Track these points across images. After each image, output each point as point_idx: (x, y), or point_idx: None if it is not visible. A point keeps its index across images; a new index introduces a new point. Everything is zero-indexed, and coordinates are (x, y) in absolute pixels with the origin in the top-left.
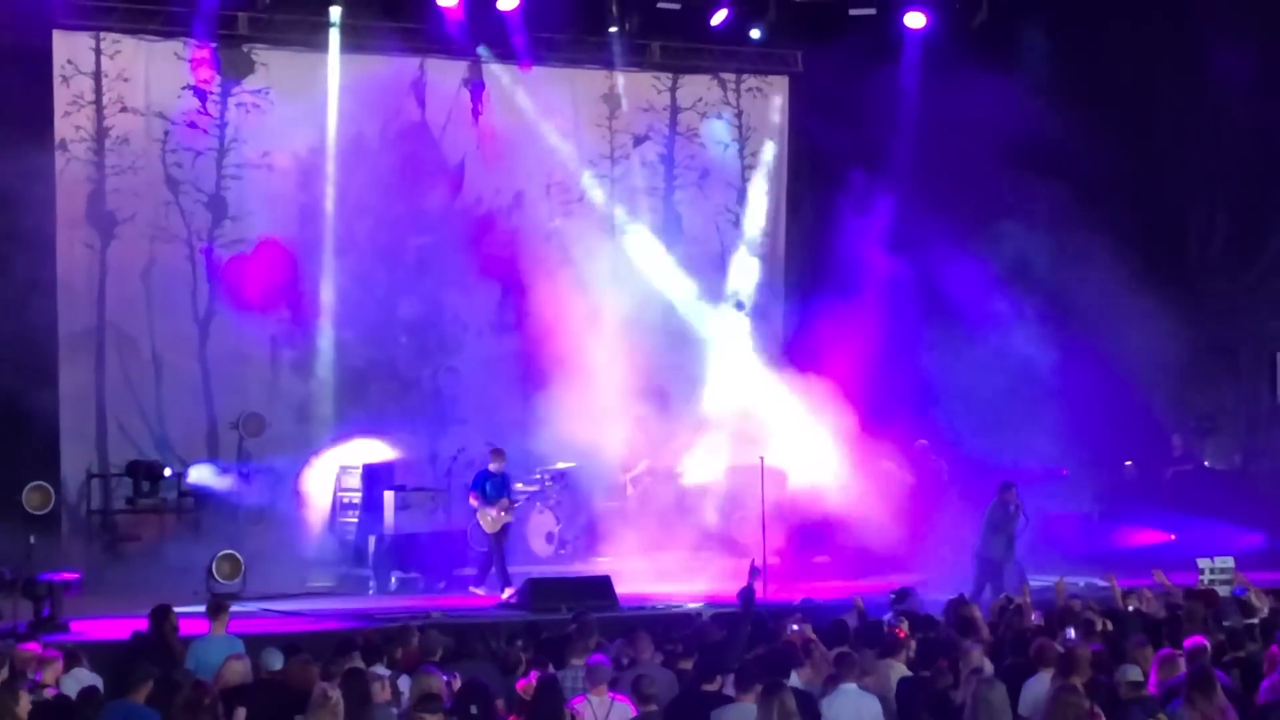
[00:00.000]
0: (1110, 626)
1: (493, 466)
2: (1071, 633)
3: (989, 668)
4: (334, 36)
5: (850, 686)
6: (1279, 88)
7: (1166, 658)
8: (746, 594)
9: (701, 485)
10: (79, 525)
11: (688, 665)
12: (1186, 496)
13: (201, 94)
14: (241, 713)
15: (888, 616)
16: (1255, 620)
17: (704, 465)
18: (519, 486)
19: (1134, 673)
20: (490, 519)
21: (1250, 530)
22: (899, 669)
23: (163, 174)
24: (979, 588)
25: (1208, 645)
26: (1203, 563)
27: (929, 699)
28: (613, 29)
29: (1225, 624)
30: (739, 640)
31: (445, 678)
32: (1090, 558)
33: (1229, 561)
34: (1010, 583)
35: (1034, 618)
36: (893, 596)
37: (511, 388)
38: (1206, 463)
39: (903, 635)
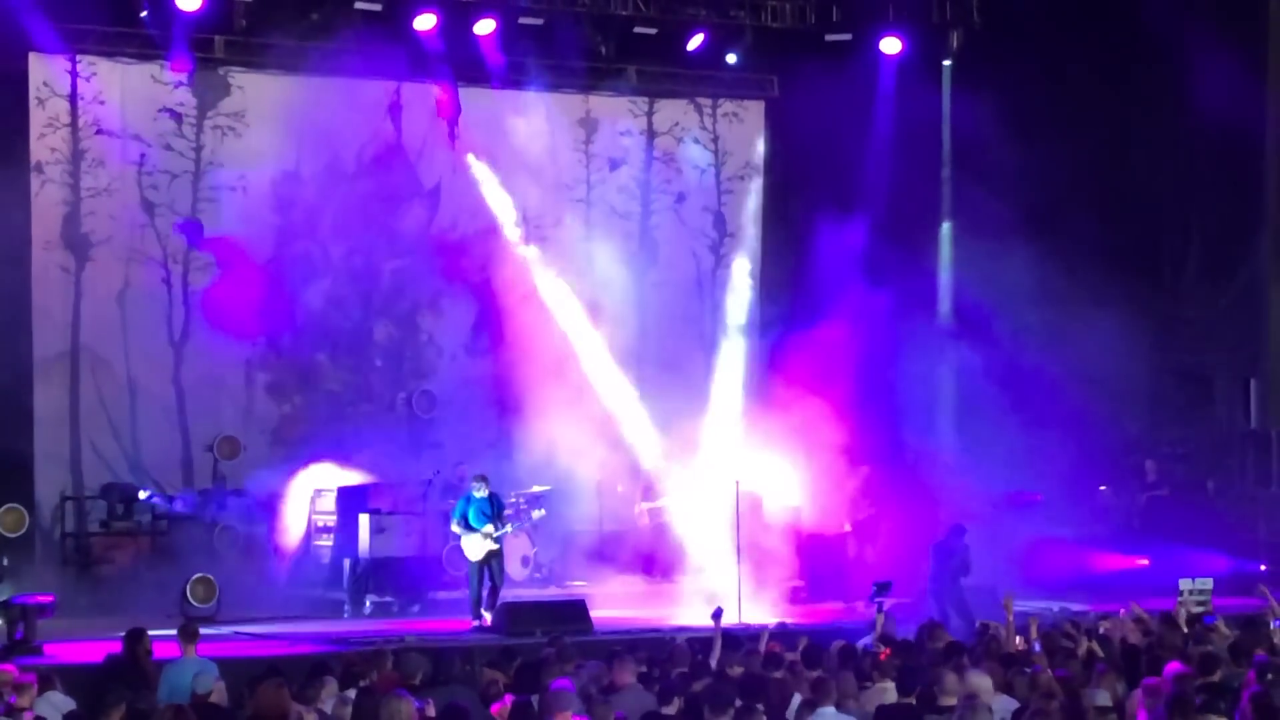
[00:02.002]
0: (1099, 651)
1: (476, 492)
2: (1038, 647)
3: (963, 691)
4: (310, 60)
5: (829, 710)
6: (1253, 113)
7: (1151, 687)
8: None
9: (679, 510)
10: (53, 548)
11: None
12: (1160, 522)
13: (177, 117)
14: None
15: (864, 641)
16: (1224, 646)
17: (680, 489)
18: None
19: (1102, 697)
20: (471, 547)
21: (1223, 556)
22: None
23: (138, 196)
24: (944, 618)
25: (1190, 671)
26: (1184, 583)
27: None
28: (590, 53)
29: (1206, 649)
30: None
31: (419, 704)
32: (1064, 583)
33: (1208, 583)
34: (979, 607)
35: (1019, 643)
36: (874, 588)
37: (486, 411)
38: (1180, 488)
39: (884, 657)
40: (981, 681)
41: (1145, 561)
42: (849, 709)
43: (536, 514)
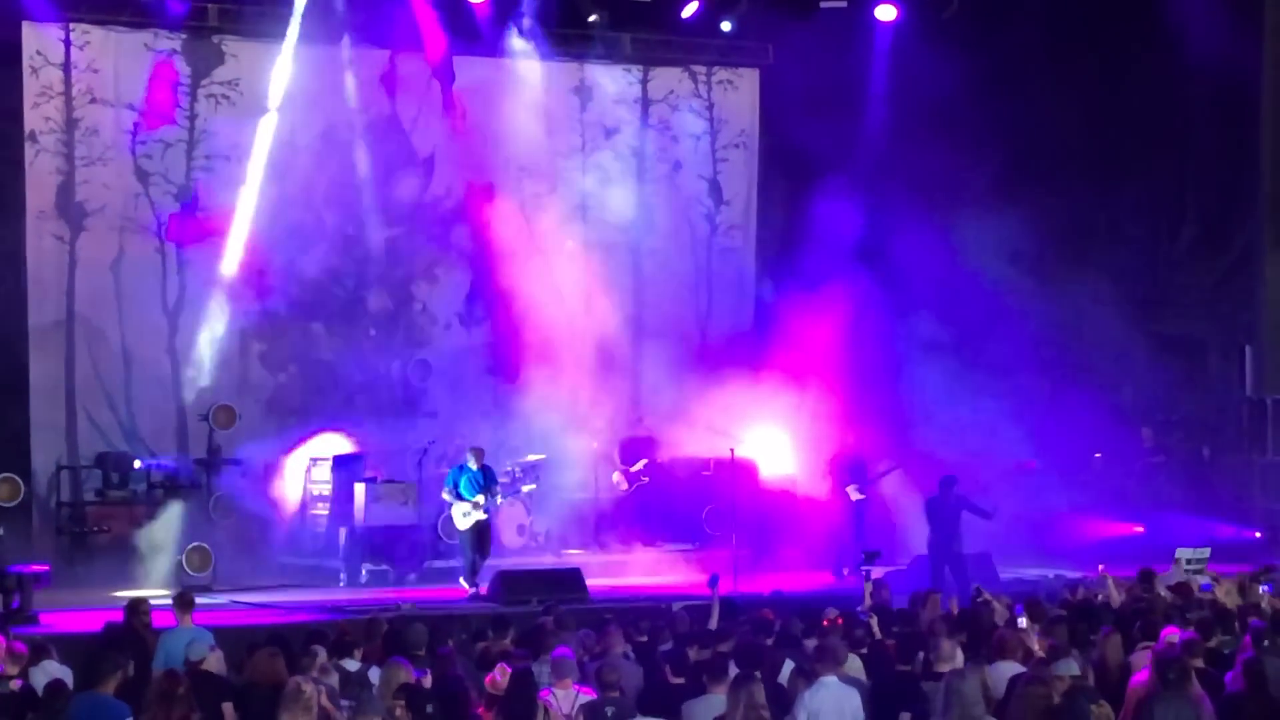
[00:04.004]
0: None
1: (470, 464)
2: (1023, 622)
3: (960, 658)
4: (305, 28)
5: (831, 679)
6: (1249, 81)
7: (1156, 652)
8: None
9: (674, 478)
10: (49, 517)
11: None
12: (1156, 489)
13: (171, 85)
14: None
15: (861, 609)
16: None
17: (676, 457)
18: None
19: (1070, 666)
20: (461, 515)
21: (1219, 522)
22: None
23: (132, 165)
24: (938, 579)
25: (1189, 638)
26: (1180, 552)
27: (903, 691)
28: (588, 20)
29: (1190, 615)
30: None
31: (417, 674)
32: (1059, 550)
33: (1205, 552)
34: (976, 573)
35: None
36: (862, 556)
37: (481, 380)
38: (1176, 455)
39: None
40: (945, 646)
41: (1141, 528)
42: (847, 678)
43: (527, 488)
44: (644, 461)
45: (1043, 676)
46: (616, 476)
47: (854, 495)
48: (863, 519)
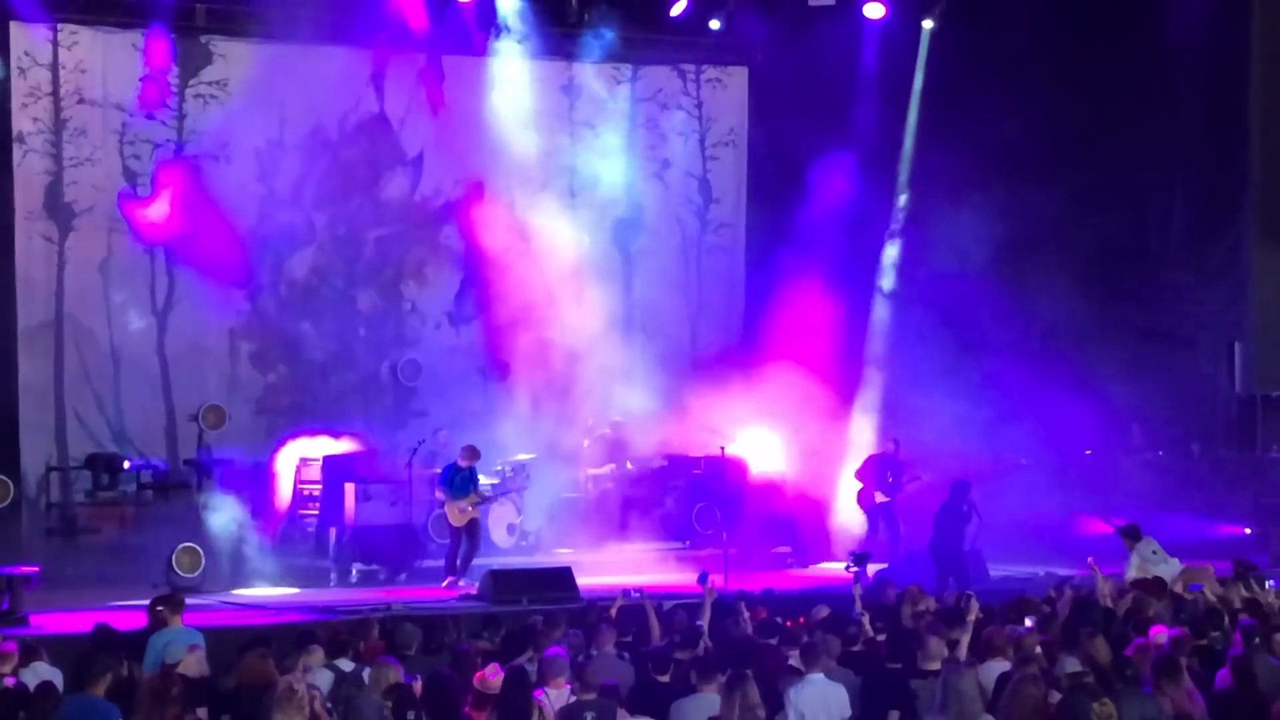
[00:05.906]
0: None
1: (462, 462)
2: (1029, 622)
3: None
4: (292, 28)
5: (818, 676)
6: (1238, 78)
7: (1141, 648)
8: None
9: (664, 476)
10: (38, 518)
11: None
12: (1146, 485)
13: (159, 85)
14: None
15: (857, 612)
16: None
17: (667, 455)
18: (481, 479)
19: (1072, 664)
20: (457, 513)
21: (1208, 519)
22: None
23: (120, 166)
24: (942, 583)
25: (1180, 635)
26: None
27: (892, 689)
28: (573, 20)
29: (1182, 615)
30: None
31: (408, 679)
32: (1049, 547)
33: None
34: (974, 576)
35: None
36: (851, 558)
37: (471, 379)
38: (1165, 452)
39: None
40: (932, 644)
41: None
42: (834, 675)
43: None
44: (610, 467)
45: (1035, 675)
46: (585, 474)
47: (879, 498)
48: (886, 521)
